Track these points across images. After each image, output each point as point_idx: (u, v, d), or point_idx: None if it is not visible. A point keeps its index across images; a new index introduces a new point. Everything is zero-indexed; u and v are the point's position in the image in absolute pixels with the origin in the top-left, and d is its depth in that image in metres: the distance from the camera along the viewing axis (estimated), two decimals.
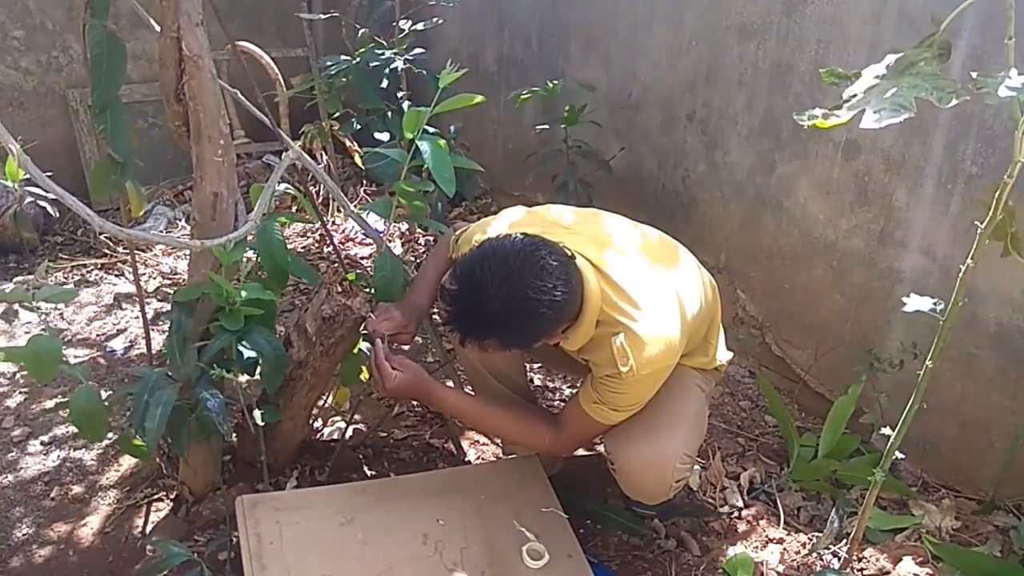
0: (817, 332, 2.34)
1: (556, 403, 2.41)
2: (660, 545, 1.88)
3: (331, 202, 3.43)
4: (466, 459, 2.13)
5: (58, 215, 3.25)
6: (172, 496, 1.91)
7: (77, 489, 1.97)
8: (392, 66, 3.32)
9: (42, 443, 2.13)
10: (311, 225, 3.34)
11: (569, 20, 3.05)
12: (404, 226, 3.35)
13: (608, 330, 1.49)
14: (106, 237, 3.16)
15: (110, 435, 2.07)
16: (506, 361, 1.84)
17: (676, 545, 1.88)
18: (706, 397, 1.77)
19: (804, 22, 2.18)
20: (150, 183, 3.62)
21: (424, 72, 3.39)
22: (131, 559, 1.76)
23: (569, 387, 2.49)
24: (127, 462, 2.05)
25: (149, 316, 2.26)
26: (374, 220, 2.68)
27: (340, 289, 1.69)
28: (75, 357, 2.51)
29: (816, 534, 1.90)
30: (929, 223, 2.00)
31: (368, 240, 3.17)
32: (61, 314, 2.76)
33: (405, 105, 3.23)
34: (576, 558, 1.62)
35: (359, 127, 3.54)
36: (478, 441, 2.21)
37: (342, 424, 2.16)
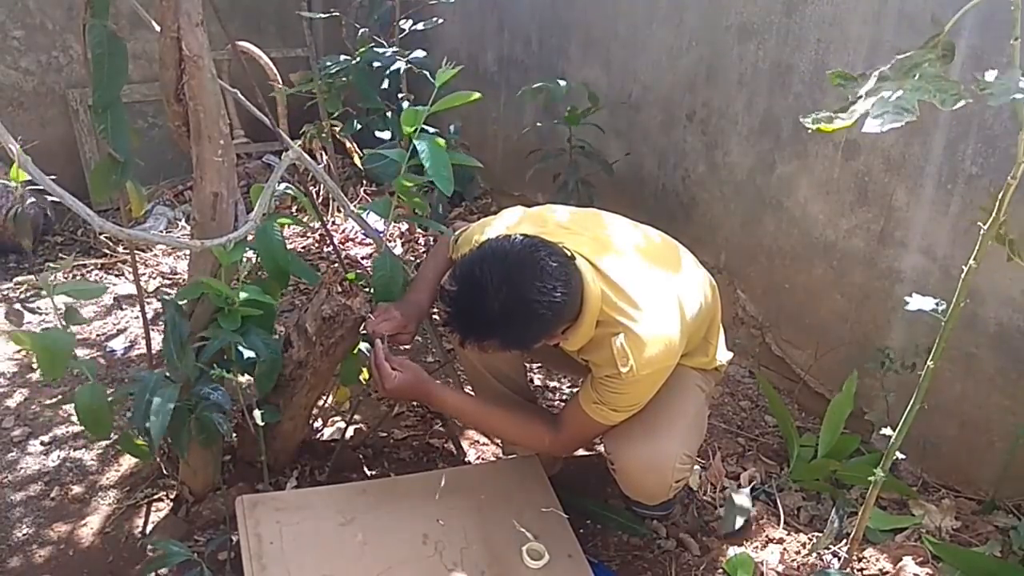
0: (817, 332, 2.34)
1: (556, 403, 2.41)
2: (660, 545, 1.88)
3: (331, 202, 3.43)
4: (466, 459, 2.13)
5: (55, 219, 3.26)
6: (172, 496, 1.91)
7: (77, 489, 1.97)
8: (393, 66, 3.32)
9: (42, 443, 2.13)
10: (311, 225, 3.34)
11: (569, 20, 3.05)
12: (404, 226, 3.35)
13: (608, 330, 1.49)
14: (106, 237, 3.16)
15: (110, 435, 2.07)
16: (506, 361, 1.84)
17: (676, 545, 1.88)
18: (706, 397, 1.77)
19: (804, 22, 2.18)
20: (150, 183, 3.61)
21: (425, 72, 3.38)
22: (131, 559, 1.76)
23: (569, 387, 2.49)
24: (127, 462, 2.05)
25: (149, 316, 2.26)
26: (374, 220, 2.68)
27: (340, 289, 1.69)
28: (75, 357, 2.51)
29: (816, 534, 1.90)
30: (929, 223, 2.00)
31: (368, 240, 3.17)
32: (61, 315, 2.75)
33: (405, 105, 3.23)
34: (576, 558, 1.62)
35: (359, 127, 3.54)
36: (478, 441, 2.21)
37: (342, 424, 2.16)
